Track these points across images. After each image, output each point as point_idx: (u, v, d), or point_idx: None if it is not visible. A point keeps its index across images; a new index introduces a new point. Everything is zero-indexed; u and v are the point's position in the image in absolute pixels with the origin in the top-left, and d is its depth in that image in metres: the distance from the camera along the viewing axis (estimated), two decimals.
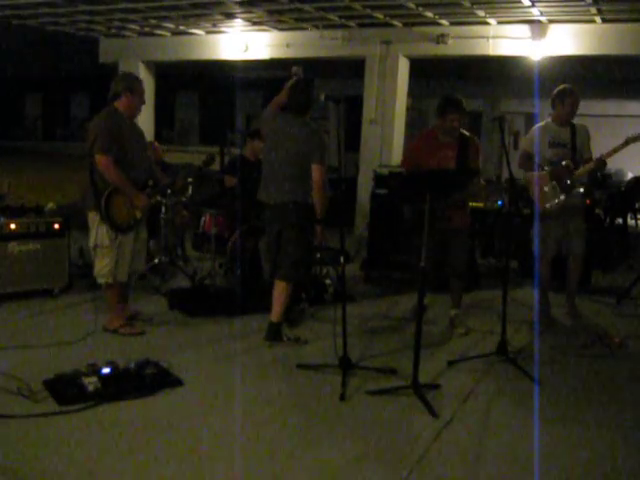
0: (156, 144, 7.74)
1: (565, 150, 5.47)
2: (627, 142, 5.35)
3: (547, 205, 5.43)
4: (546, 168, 5.47)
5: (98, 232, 4.74)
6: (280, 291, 4.89)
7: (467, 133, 5.29)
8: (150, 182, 4.89)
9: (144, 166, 4.91)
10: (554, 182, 5.43)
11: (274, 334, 4.89)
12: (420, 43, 8.73)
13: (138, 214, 4.81)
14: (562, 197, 5.42)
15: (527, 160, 5.60)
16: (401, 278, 6.69)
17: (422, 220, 4.66)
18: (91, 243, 4.83)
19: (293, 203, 4.84)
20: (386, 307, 6.07)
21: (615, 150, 5.36)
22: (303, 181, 4.82)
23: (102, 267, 4.83)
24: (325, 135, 5.38)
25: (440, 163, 5.13)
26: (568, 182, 5.40)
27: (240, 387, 4.14)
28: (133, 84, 4.81)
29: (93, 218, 4.76)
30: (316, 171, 4.78)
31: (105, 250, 4.77)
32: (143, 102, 4.91)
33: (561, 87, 5.48)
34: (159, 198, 6.47)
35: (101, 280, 4.88)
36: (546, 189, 5.45)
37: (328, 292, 6.06)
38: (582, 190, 5.48)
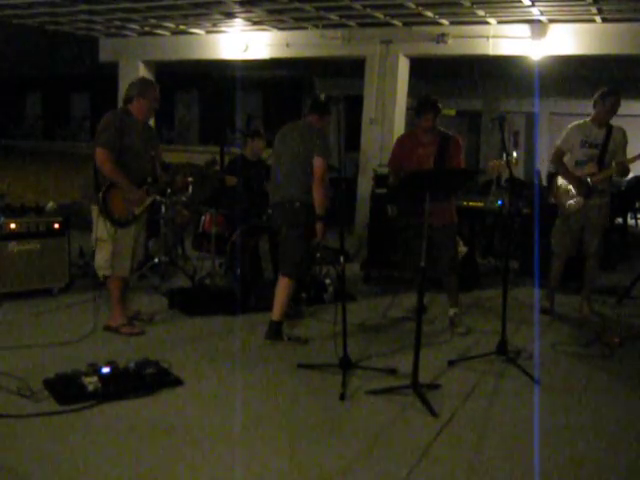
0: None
1: (595, 151, 5.50)
2: None
3: (569, 204, 5.56)
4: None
5: (98, 225, 4.84)
6: (282, 288, 4.92)
7: (448, 132, 5.38)
8: (149, 179, 4.94)
9: (146, 166, 4.96)
10: (574, 188, 5.53)
11: (274, 333, 4.91)
12: (420, 43, 8.71)
13: (137, 210, 4.87)
14: (581, 200, 5.52)
15: (560, 158, 5.66)
16: (401, 278, 6.68)
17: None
18: (93, 236, 4.94)
19: (290, 202, 4.87)
20: (386, 307, 6.07)
21: (638, 157, 5.37)
22: (304, 180, 4.84)
23: (100, 259, 4.93)
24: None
25: (419, 161, 5.24)
26: (587, 188, 5.46)
27: (240, 386, 4.14)
28: (145, 90, 4.92)
29: (96, 212, 4.85)
30: (317, 162, 4.80)
31: (103, 243, 4.87)
32: (155, 107, 5.00)
33: (604, 88, 5.52)
34: (158, 198, 6.47)
35: (100, 272, 4.97)
36: (570, 191, 5.57)
37: (328, 292, 6.06)
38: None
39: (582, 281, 5.89)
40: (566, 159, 5.65)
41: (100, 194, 4.73)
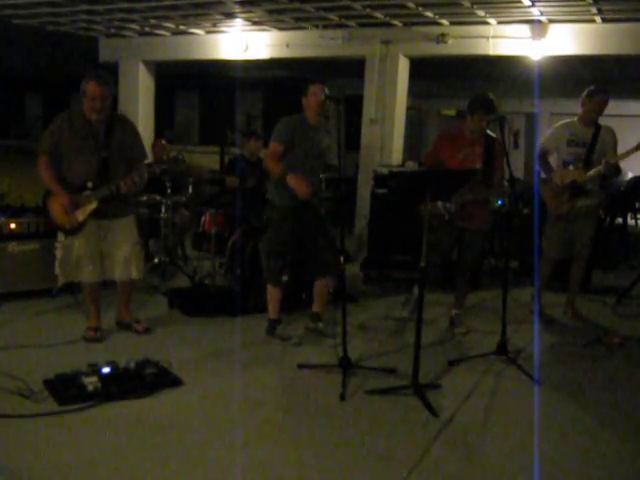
0: (163, 142, 7.78)
1: (582, 150, 5.41)
2: (638, 147, 5.27)
3: (559, 211, 5.49)
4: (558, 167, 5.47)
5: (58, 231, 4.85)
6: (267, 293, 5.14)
7: (492, 134, 5.22)
8: (89, 184, 4.61)
9: (91, 170, 4.65)
10: (563, 187, 5.44)
11: (269, 329, 5.09)
12: (420, 43, 8.71)
13: (80, 217, 4.63)
14: (570, 202, 5.44)
15: (545, 158, 5.60)
16: (401, 278, 6.68)
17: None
18: None
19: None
20: (386, 307, 6.07)
21: (627, 154, 5.29)
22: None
23: (55, 265, 4.91)
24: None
25: (465, 160, 5.08)
26: (575, 187, 5.41)
27: (240, 387, 4.14)
28: (84, 87, 4.59)
29: None
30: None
31: (55, 250, 4.89)
32: (94, 106, 4.54)
33: (592, 86, 5.41)
34: (158, 197, 6.47)
35: (59, 279, 4.98)
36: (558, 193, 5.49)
37: (328, 292, 6.04)
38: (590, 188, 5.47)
39: (568, 284, 5.79)
40: (552, 159, 5.61)
41: (42, 201, 4.73)
